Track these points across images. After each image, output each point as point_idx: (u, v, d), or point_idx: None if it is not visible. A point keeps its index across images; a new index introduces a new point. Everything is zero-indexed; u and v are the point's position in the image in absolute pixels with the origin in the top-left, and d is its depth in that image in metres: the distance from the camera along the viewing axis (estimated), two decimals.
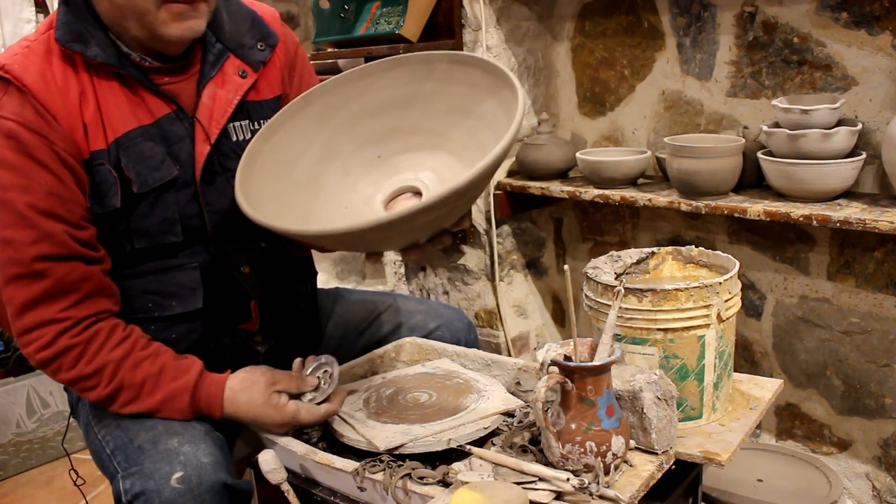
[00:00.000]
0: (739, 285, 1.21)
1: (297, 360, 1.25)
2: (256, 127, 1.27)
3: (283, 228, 1.04)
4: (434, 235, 1.08)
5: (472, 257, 2.25)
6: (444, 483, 1.02)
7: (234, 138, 1.26)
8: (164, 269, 1.23)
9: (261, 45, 1.28)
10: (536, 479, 1.00)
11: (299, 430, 1.22)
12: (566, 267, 1.05)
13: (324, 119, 1.25)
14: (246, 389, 1.17)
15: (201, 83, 1.23)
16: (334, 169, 1.26)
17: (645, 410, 1.05)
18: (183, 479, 1.06)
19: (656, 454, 1.06)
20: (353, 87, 1.25)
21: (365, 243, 1.08)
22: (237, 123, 1.26)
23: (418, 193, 1.22)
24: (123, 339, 1.17)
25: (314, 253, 1.51)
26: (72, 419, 1.42)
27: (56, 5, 2.72)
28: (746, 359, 2.01)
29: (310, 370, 1.22)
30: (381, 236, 1.02)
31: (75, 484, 1.46)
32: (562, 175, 2.09)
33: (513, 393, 1.24)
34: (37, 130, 1.11)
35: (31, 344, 1.14)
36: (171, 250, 1.23)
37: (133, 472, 1.08)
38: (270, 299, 1.33)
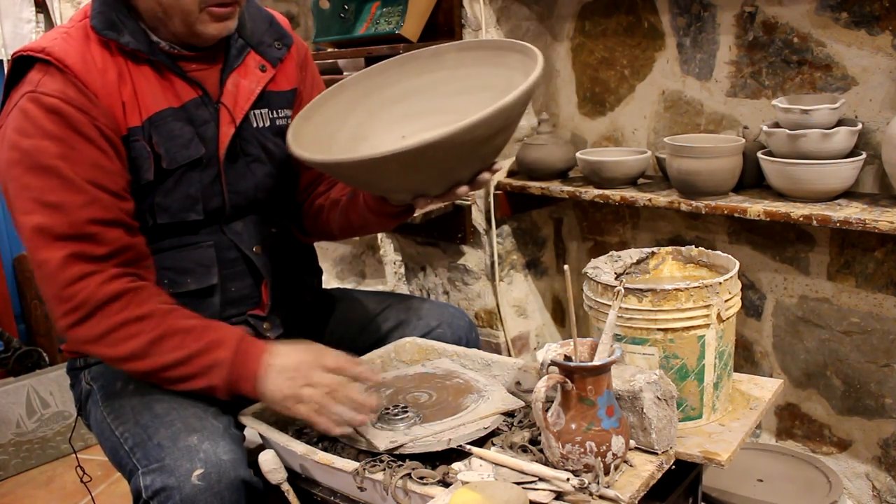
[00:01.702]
0: (739, 285, 1.21)
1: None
2: (275, 115, 1.36)
3: (328, 159, 1.12)
4: (474, 175, 1.16)
5: (472, 257, 2.25)
6: (444, 483, 1.02)
7: (255, 125, 1.33)
8: (182, 246, 1.28)
9: (278, 45, 1.38)
10: (536, 479, 1.00)
11: (299, 431, 1.22)
12: (566, 267, 1.05)
13: (351, 107, 1.34)
14: (292, 342, 1.21)
15: (225, 72, 1.30)
16: (364, 149, 1.33)
17: (645, 410, 1.05)
18: (203, 475, 1.07)
19: (656, 454, 1.06)
20: (373, 82, 1.35)
21: (413, 172, 1.11)
22: (258, 111, 1.34)
23: None
24: (170, 301, 1.21)
25: (318, 252, 1.53)
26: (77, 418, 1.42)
27: (56, 5, 2.70)
28: (746, 359, 2.01)
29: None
30: (428, 164, 1.08)
31: (82, 481, 1.46)
32: (562, 175, 2.09)
33: (513, 393, 1.24)
34: (79, 107, 1.15)
35: (82, 292, 1.13)
36: (190, 228, 1.28)
37: (154, 469, 1.10)
38: (280, 283, 1.38)
